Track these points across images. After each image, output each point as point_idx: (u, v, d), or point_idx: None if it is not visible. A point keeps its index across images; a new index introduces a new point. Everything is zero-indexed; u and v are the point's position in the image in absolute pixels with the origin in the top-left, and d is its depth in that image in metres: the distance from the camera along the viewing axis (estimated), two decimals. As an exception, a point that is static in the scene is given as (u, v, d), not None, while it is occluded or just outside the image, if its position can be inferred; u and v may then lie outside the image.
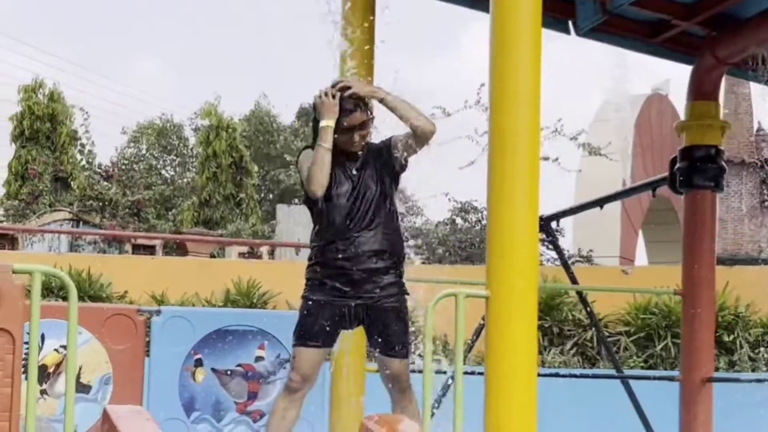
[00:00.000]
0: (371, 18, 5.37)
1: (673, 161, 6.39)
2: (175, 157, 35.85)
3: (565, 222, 22.96)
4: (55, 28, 56.02)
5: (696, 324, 6.17)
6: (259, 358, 5.57)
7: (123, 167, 27.06)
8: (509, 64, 3.95)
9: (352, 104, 4.25)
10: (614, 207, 21.43)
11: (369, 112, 4.31)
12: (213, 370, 5.51)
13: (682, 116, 6.58)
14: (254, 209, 26.68)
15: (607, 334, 11.22)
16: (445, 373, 4.40)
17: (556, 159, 19.68)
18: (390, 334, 4.26)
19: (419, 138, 4.28)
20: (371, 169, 4.31)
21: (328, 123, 4.19)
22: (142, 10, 56.78)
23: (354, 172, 4.29)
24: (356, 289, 4.23)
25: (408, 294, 4.34)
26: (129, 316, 5.41)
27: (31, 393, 3.45)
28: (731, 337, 10.80)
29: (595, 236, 20.89)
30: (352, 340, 5.20)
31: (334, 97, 4.23)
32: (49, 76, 25.79)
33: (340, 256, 4.20)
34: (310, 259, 4.35)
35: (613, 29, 6.36)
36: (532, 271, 3.92)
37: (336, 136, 4.21)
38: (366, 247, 4.20)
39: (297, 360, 4.31)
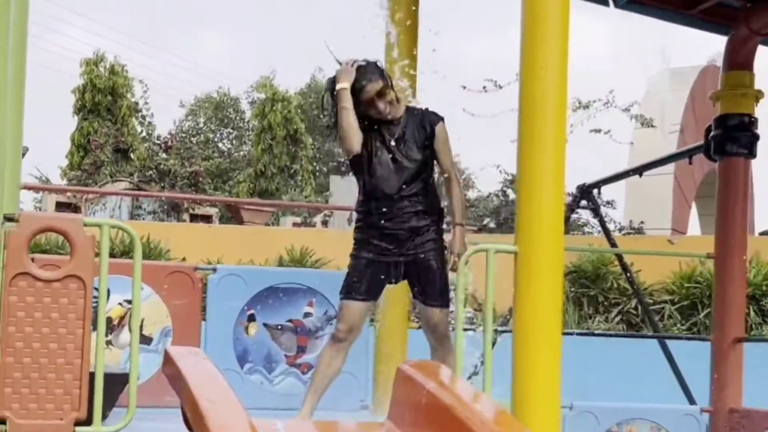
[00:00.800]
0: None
1: (709, 129, 6.58)
2: (231, 130, 36.36)
3: (618, 194, 23.06)
4: (120, 3, 56.77)
5: (727, 287, 6.38)
6: (307, 314, 5.89)
7: (181, 139, 27.60)
8: (539, 34, 4.21)
9: (368, 77, 4.59)
10: (667, 179, 21.46)
11: (384, 80, 4.63)
12: (264, 324, 5.83)
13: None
14: (308, 181, 27.08)
15: (651, 302, 11.44)
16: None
17: (608, 131, 19.76)
18: (430, 285, 4.62)
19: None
20: (410, 137, 4.65)
21: (343, 85, 4.57)
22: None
23: (393, 142, 4.64)
24: (399, 247, 4.61)
25: (446, 248, 4.67)
26: (187, 274, 5.78)
27: (100, 337, 3.84)
28: (772, 302, 10.99)
29: (647, 208, 20.95)
30: (395, 298, 5.54)
31: (351, 65, 4.60)
32: (111, 50, 26.38)
33: (383, 218, 4.59)
34: (357, 221, 4.74)
35: (650, 1, 6.55)
36: (558, 228, 4.19)
37: (363, 109, 4.60)
38: (407, 209, 4.58)
39: (343, 312, 4.67)
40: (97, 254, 3.74)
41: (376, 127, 4.67)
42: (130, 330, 4.95)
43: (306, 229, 17.57)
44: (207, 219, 19.14)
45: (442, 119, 4.74)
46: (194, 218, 18.85)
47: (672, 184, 21.32)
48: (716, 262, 6.50)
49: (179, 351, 3.59)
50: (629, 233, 19.44)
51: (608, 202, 20.45)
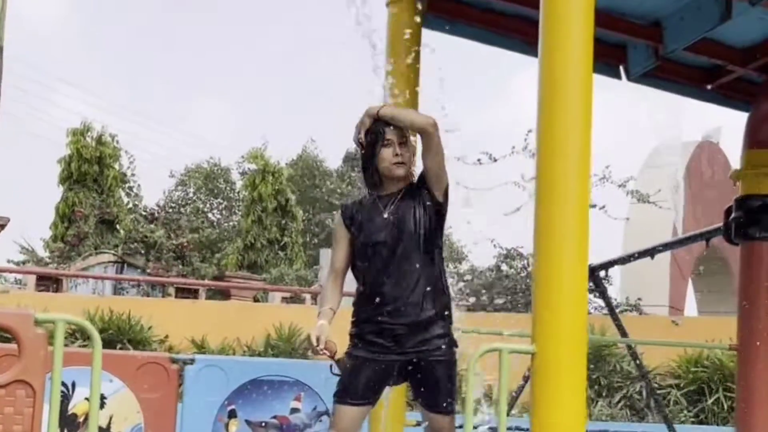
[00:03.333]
0: (417, 66, 5.29)
1: (728, 211, 6.16)
2: (222, 200, 36.04)
3: (613, 270, 22.64)
4: (107, 73, 56.85)
5: (751, 380, 5.90)
6: (294, 410, 5.42)
7: (170, 210, 27.20)
8: (558, 110, 3.79)
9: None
10: (663, 255, 21.07)
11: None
12: (247, 422, 5.37)
13: (734, 164, 6.38)
14: (298, 254, 26.62)
15: (656, 386, 10.94)
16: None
17: (603, 207, 19.47)
18: (436, 388, 4.05)
19: (423, 139, 4.08)
20: (407, 210, 4.12)
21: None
22: (194, 56, 57.53)
23: (387, 216, 4.11)
24: (400, 344, 4.01)
25: (457, 346, 4.12)
26: (162, 365, 5.28)
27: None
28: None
29: (643, 284, 20.54)
30: (391, 390, 5.03)
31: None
32: (102, 120, 26.10)
33: (380, 310, 4.01)
34: (353, 315, 4.17)
35: (666, 75, 6.20)
36: (580, 327, 3.71)
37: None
38: (407, 299, 4.00)
39: (337, 418, 4.10)
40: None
41: (371, 198, 4.18)
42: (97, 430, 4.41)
43: (294, 306, 17.04)
44: (194, 292, 18.59)
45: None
46: (180, 291, 18.32)
47: (669, 260, 20.92)
48: (740, 352, 6.03)
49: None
50: (626, 310, 19.01)
51: (604, 278, 20.05)
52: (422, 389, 4.07)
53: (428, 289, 4.03)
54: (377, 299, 4.01)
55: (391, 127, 4.10)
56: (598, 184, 19.80)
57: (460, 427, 4.00)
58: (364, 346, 4.05)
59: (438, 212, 4.14)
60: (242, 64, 56.34)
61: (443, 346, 4.04)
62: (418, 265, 4.03)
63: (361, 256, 4.11)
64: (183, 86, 58.75)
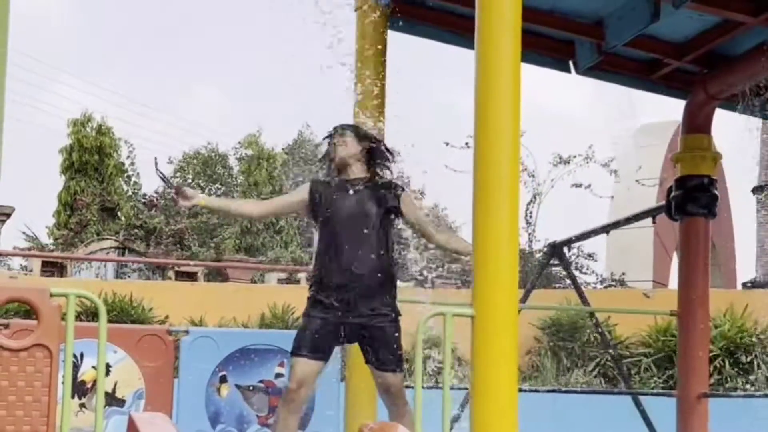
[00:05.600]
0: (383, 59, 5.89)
1: (669, 190, 6.77)
2: (220, 186, 36.54)
3: (599, 247, 23.24)
4: (107, 62, 57.27)
5: (690, 343, 6.53)
6: (279, 375, 6.00)
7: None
8: (492, 99, 4.33)
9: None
10: (647, 232, 21.67)
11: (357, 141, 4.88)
12: (237, 386, 5.94)
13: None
14: (294, 237, 27.20)
15: (628, 355, 11.59)
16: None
17: (588, 185, 20.06)
18: (382, 350, 4.69)
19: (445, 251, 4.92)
20: (369, 197, 4.79)
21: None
22: (192, 42, 57.95)
23: (352, 195, 4.78)
24: (350, 309, 4.69)
25: (400, 315, 4.78)
26: (160, 336, 5.90)
27: (66, 403, 3.96)
28: (749, 358, 11.11)
29: (628, 260, 21.12)
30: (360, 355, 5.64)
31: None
32: (102, 109, 26.69)
33: (336, 276, 4.68)
34: (311, 279, 4.86)
35: (611, 68, 6.75)
36: (513, 292, 4.32)
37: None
38: (360, 270, 4.67)
39: (293, 369, 4.74)
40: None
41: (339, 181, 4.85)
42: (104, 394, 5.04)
43: (288, 286, 17.66)
44: (192, 276, 19.22)
45: (403, 189, 4.92)
46: (180, 275, 18.94)
47: (652, 236, 21.52)
48: (679, 318, 6.66)
49: (142, 417, 3.72)
50: (611, 285, 19.61)
51: (589, 255, 20.67)
52: (370, 351, 4.73)
53: (379, 262, 4.71)
54: (334, 267, 4.68)
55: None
56: (583, 164, 20.43)
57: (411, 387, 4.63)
58: (319, 308, 4.72)
59: (394, 210, 4.83)
60: (239, 49, 56.69)
61: (390, 313, 4.71)
62: (372, 241, 4.70)
63: (323, 228, 4.78)
64: (181, 73, 59.15)
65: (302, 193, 4.98)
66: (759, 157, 26.45)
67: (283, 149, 30.53)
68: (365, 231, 4.70)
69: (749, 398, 8.70)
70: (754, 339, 11.29)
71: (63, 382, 3.99)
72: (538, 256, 18.07)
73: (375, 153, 4.90)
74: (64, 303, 3.89)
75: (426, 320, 4.41)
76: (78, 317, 9.09)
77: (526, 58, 4.89)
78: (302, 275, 19.47)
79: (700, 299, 6.56)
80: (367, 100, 5.74)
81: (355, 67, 5.90)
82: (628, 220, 7.44)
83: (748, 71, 6.35)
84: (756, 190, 27.17)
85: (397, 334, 4.73)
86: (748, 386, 10.86)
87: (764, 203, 27.42)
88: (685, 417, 6.50)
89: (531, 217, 20.46)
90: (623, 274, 19.96)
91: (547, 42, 6.59)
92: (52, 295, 3.85)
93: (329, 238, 4.76)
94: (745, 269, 27.24)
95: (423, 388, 4.41)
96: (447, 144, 19.57)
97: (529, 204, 20.45)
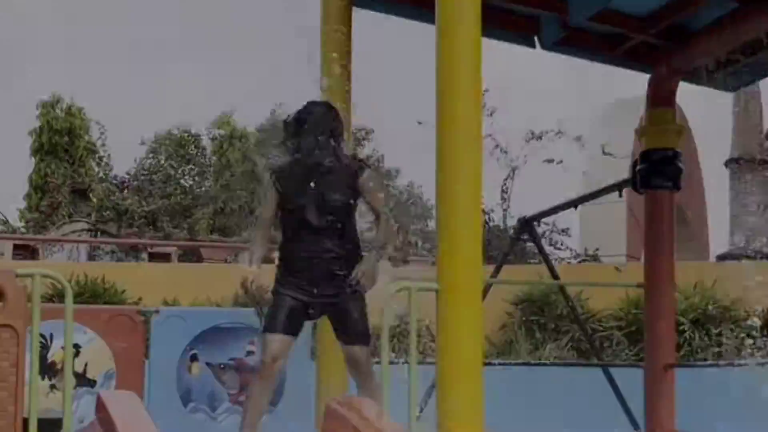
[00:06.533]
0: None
1: (635, 163, 6.84)
2: (193, 167, 36.33)
3: (572, 221, 23.38)
4: (76, 42, 56.72)
5: (656, 314, 6.62)
6: (249, 353, 6.06)
7: (142, 177, 27.61)
8: (453, 74, 4.38)
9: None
10: (620, 206, 21.79)
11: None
12: (207, 364, 6.00)
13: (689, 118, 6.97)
14: (267, 216, 27.07)
15: (600, 328, 11.69)
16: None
17: (560, 161, 20.12)
18: (349, 324, 4.80)
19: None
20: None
21: None
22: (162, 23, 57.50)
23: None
24: (317, 286, 4.79)
25: (365, 291, 4.84)
26: (130, 316, 5.94)
27: (33, 382, 3.98)
28: (719, 329, 11.23)
29: (602, 235, 21.21)
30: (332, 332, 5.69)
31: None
32: (71, 90, 26.45)
33: (303, 255, 4.74)
34: (278, 258, 4.91)
35: (576, 42, 6.79)
36: (476, 264, 4.39)
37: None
38: (326, 249, 4.73)
39: (266, 345, 4.83)
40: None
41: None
42: (74, 375, 5.08)
43: (264, 266, 17.62)
44: (166, 257, 19.17)
45: (369, 167, 4.95)
46: (153, 257, 18.88)
47: (625, 210, 21.62)
48: (646, 290, 6.74)
49: (111, 396, 3.74)
50: (585, 260, 19.70)
51: (563, 230, 20.74)
52: (337, 326, 4.83)
53: (344, 242, 4.79)
54: (299, 248, 4.75)
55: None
56: (554, 139, 20.48)
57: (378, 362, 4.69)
58: (287, 286, 4.79)
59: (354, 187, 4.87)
60: (212, 28, 56.30)
61: (355, 290, 4.78)
62: (337, 222, 4.77)
63: (287, 208, 4.81)
64: (152, 53, 58.67)
65: (271, 197, 5.03)
66: (731, 130, 26.64)
67: (255, 128, 30.40)
68: (329, 210, 4.76)
69: (714, 368, 8.81)
70: (723, 311, 11.39)
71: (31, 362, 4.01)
72: (511, 232, 18.13)
73: (337, 131, 4.93)
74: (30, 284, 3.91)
75: (391, 295, 4.48)
76: (50, 299, 9.12)
77: (491, 34, 4.97)
78: (276, 254, 19.47)
79: (666, 271, 6.64)
80: (333, 76, 5.79)
81: (321, 43, 5.95)
82: (595, 195, 7.51)
83: (709, 45, 6.42)
84: (729, 162, 27.37)
85: (364, 309, 4.80)
86: (717, 358, 10.98)
87: (737, 176, 27.65)
88: (652, 388, 6.60)
89: (506, 192, 20.49)
90: (597, 249, 20.06)
91: (512, 17, 6.62)
92: (17, 276, 3.87)
93: (293, 218, 4.82)
94: (719, 242, 27.48)
95: (392, 363, 4.50)
96: (420, 123, 19.56)
97: (505, 180, 20.49)
